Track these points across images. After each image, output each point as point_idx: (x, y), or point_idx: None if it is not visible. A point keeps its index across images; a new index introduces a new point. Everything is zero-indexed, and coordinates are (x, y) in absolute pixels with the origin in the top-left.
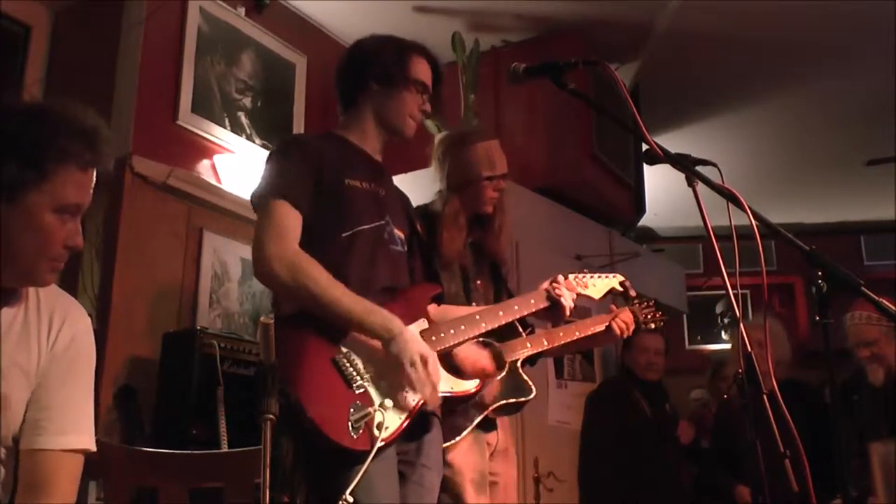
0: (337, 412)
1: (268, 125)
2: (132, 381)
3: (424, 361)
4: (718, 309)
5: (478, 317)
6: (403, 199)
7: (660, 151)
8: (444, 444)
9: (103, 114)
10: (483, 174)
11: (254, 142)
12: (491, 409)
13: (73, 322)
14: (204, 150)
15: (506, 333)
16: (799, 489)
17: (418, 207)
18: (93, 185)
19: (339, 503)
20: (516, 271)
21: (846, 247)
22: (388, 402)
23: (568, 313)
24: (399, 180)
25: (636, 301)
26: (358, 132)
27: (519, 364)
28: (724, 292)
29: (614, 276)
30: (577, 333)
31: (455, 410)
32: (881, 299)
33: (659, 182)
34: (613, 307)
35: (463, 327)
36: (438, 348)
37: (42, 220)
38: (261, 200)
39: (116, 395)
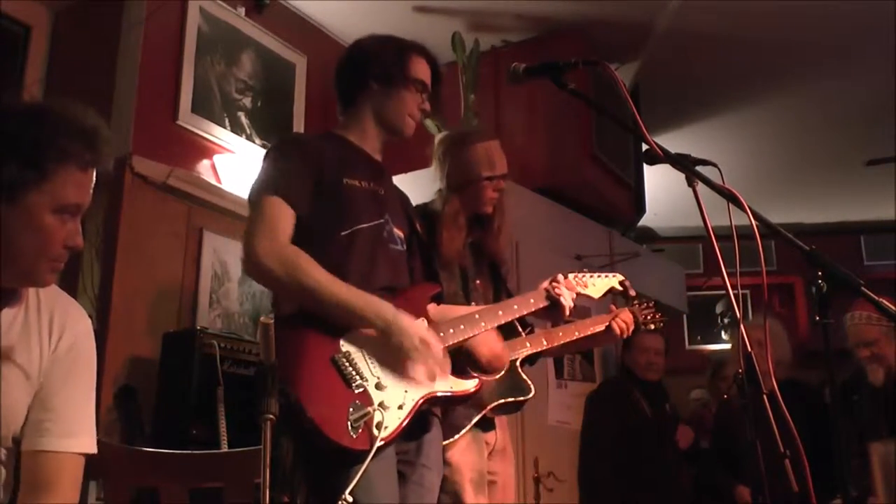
0: (336, 412)
1: (268, 125)
2: (132, 381)
3: (423, 342)
4: (718, 309)
5: (477, 316)
6: (403, 198)
7: (660, 151)
8: (443, 443)
9: (103, 114)
10: (483, 174)
11: (254, 142)
12: (490, 408)
13: (74, 323)
14: (204, 150)
15: (505, 333)
16: (799, 489)
17: (418, 206)
18: (93, 185)
19: (339, 503)
20: (516, 271)
21: (846, 247)
22: (392, 398)
23: (567, 312)
24: (399, 180)
25: (636, 302)
26: (357, 132)
27: (518, 363)
28: (724, 292)
29: (614, 276)
30: (577, 333)
31: (454, 409)
32: (881, 299)
33: (659, 182)
34: (613, 307)
35: (462, 327)
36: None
37: (42, 220)
38: (254, 196)
39: (116, 395)
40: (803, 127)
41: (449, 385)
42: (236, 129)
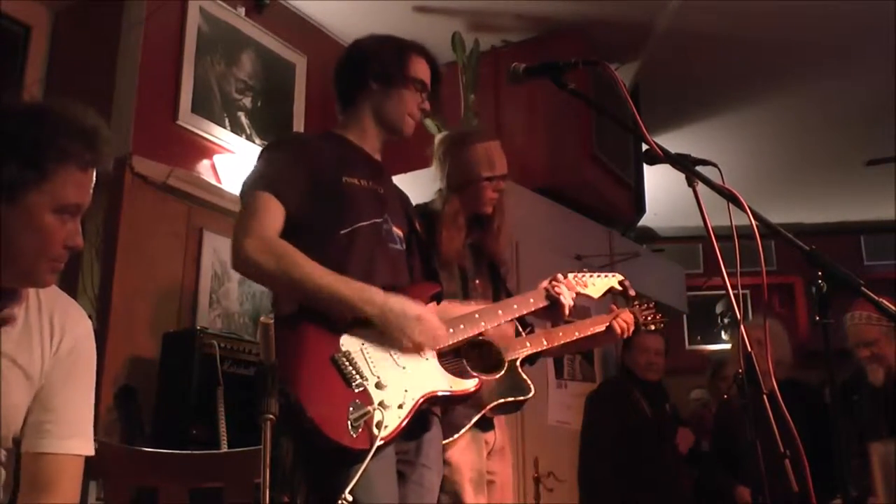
0: (336, 411)
1: (268, 125)
2: (132, 381)
3: (419, 318)
4: (718, 309)
5: (477, 315)
6: (403, 197)
7: (660, 151)
8: (443, 442)
9: (103, 114)
10: (483, 174)
11: (254, 142)
12: (489, 407)
13: (74, 325)
14: (204, 150)
15: None
16: (799, 489)
17: (418, 206)
18: (93, 185)
19: (339, 502)
20: (516, 271)
21: (846, 247)
22: (392, 397)
23: (567, 312)
24: (399, 180)
25: (636, 302)
26: (357, 131)
27: (518, 363)
28: (724, 292)
29: (614, 276)
30: (577, 333)
31: (454, 409)
32: (881, 299)
33: (659, 182)
34: (614, 307)
35: (462, 326)
36: (437, 347)
37: (42, 220)
38: (244, 192)
39: (116, 395)
40: (803, 127)
41: (449, 384)
42: (236, 129)
